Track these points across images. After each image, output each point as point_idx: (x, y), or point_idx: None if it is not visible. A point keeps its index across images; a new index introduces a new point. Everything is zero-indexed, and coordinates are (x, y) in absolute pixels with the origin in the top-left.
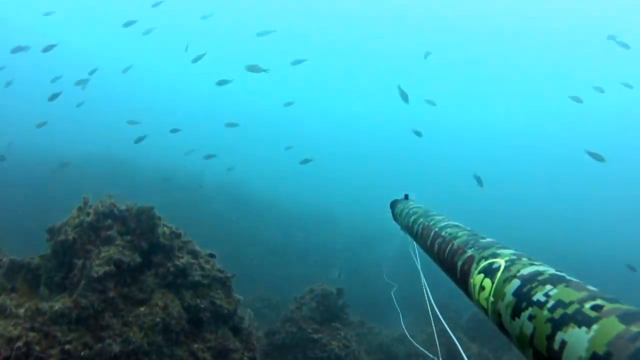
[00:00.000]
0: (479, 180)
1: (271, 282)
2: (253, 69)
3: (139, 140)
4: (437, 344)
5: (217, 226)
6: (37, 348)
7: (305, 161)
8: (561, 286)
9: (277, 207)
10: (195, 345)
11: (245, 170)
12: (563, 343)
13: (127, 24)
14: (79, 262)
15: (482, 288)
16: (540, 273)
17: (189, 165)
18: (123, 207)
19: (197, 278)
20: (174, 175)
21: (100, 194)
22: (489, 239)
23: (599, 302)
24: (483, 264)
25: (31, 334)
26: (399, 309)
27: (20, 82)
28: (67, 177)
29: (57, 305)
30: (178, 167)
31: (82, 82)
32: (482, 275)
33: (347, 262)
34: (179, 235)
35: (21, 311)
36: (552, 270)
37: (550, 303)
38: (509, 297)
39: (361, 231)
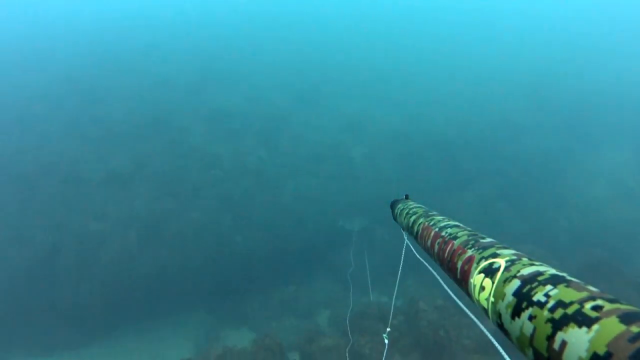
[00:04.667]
0: None
1: None
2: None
3: None
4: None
5: None
6: None
7: None
8: (561, 286)
9: None
10: None
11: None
12: (563, 343)
13: None
14: None
15: (483, 288)
16: (540, 273)
17: None
18: None
19: None
20: None
21: None
22: (489, 239)
23: (599, 302)
24: (483, 264)
25: None
26: None
27: None
28: None
29: None
30: None
31: None
32: (482, 275)
33: None
34: None
35: None
36: (552, 271)
37: (551, 303)
38: (509, 297)
39: None
